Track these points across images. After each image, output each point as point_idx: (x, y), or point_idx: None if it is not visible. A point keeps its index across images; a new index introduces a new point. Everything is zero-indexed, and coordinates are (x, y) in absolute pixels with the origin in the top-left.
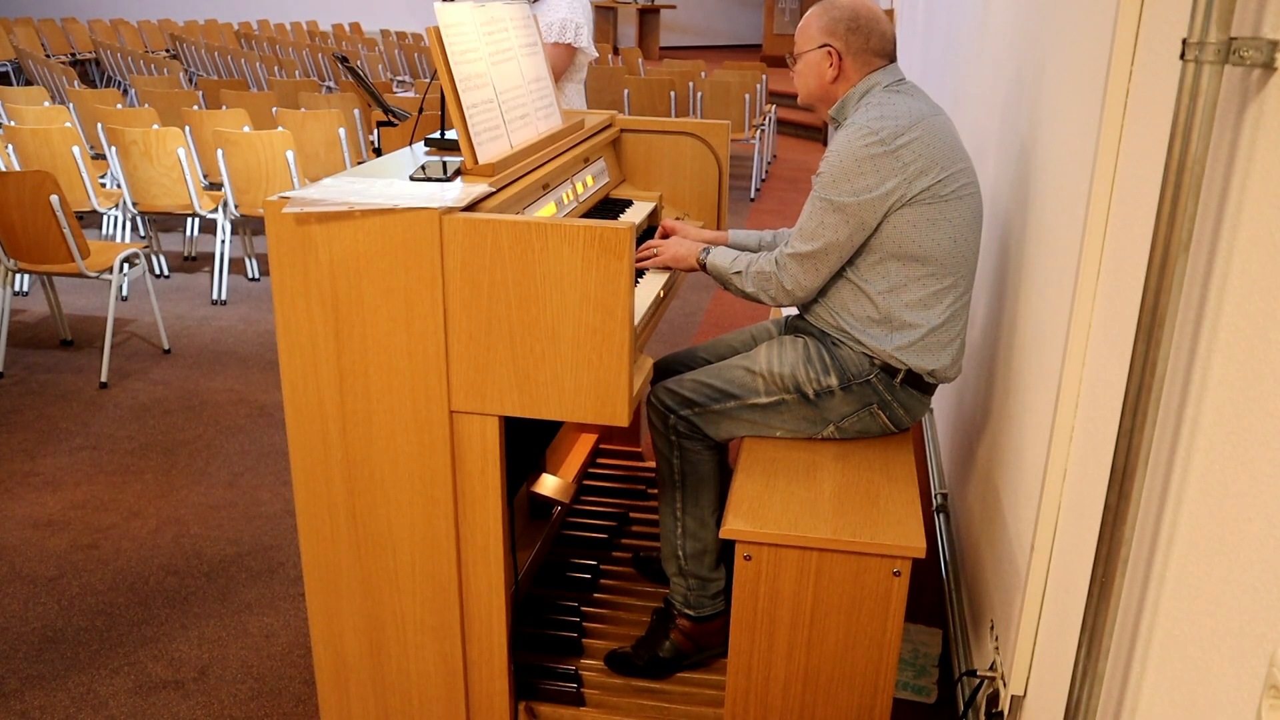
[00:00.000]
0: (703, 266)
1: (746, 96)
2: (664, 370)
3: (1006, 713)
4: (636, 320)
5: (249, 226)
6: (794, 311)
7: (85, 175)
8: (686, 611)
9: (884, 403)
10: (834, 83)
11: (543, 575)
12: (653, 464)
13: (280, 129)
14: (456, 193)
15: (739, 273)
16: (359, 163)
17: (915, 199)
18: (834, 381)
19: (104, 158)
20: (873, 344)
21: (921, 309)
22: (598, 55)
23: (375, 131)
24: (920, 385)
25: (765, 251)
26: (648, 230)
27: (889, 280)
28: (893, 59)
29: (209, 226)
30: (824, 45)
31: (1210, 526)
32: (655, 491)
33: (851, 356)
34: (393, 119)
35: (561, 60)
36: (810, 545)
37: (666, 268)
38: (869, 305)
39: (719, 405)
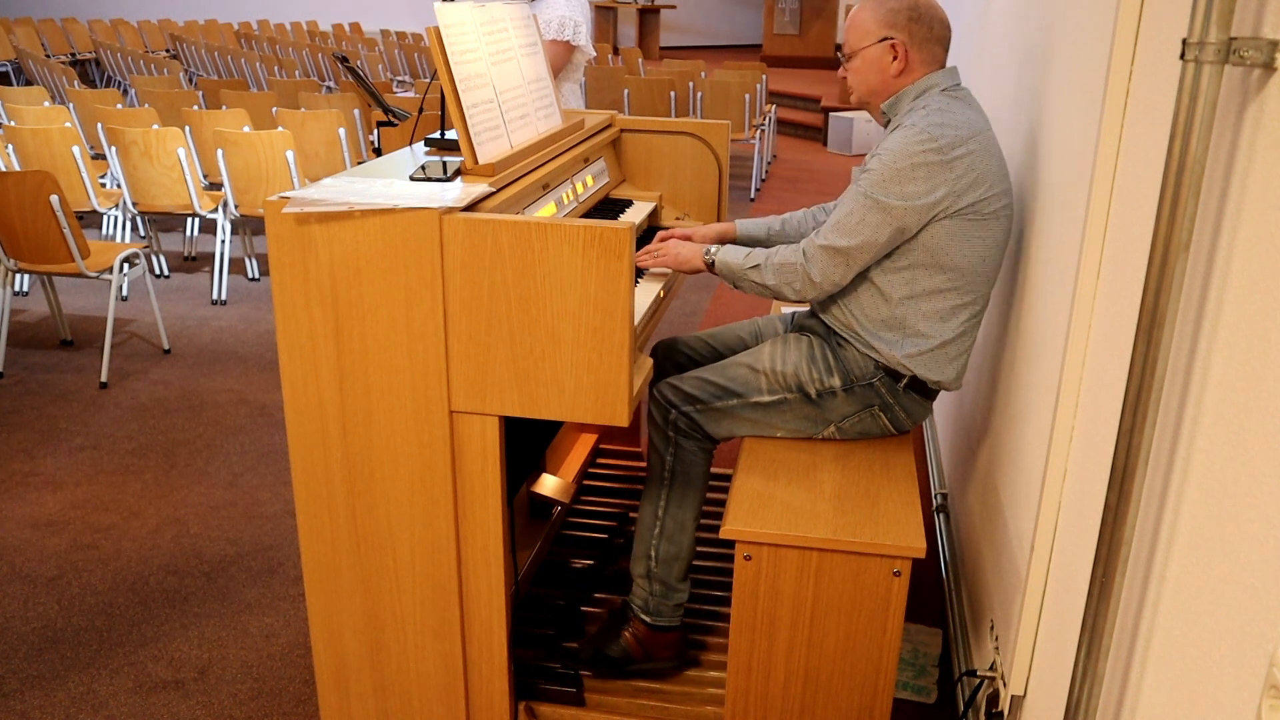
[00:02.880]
0: (710, 267)
1: (746, 96)
2: (665, 351)
3: (1006, 713)
4: (636, 320)
5: (249, 226)
6: (802, 308)
7: (85, 175)
8: (643, 617)
9: (886, 405)
10: (899, 76)
11: (543, 575)
12: None
13: (280, 129)
14: (456, 193)
15: (756, 266)
16: (359, 163)
17: (959, 212)
18: (837, 382)
19: (104, 158)
20: (882, 348)
21: (938, 321)
22: (595, 54)
23: (375, 131)
24: (923, 390)
25: (783, 245)
26: (648, 230)
27: (912, 287)
28: (948, 54)
29: (209, 226)
30: (885, 38)
31: (1210, 526)
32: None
33: (856, 358)
34: (393, 119)
35: (559, 58)
36: (810, 545)
37: (668, 269)
38: (885, 308)
39: (721, 403)
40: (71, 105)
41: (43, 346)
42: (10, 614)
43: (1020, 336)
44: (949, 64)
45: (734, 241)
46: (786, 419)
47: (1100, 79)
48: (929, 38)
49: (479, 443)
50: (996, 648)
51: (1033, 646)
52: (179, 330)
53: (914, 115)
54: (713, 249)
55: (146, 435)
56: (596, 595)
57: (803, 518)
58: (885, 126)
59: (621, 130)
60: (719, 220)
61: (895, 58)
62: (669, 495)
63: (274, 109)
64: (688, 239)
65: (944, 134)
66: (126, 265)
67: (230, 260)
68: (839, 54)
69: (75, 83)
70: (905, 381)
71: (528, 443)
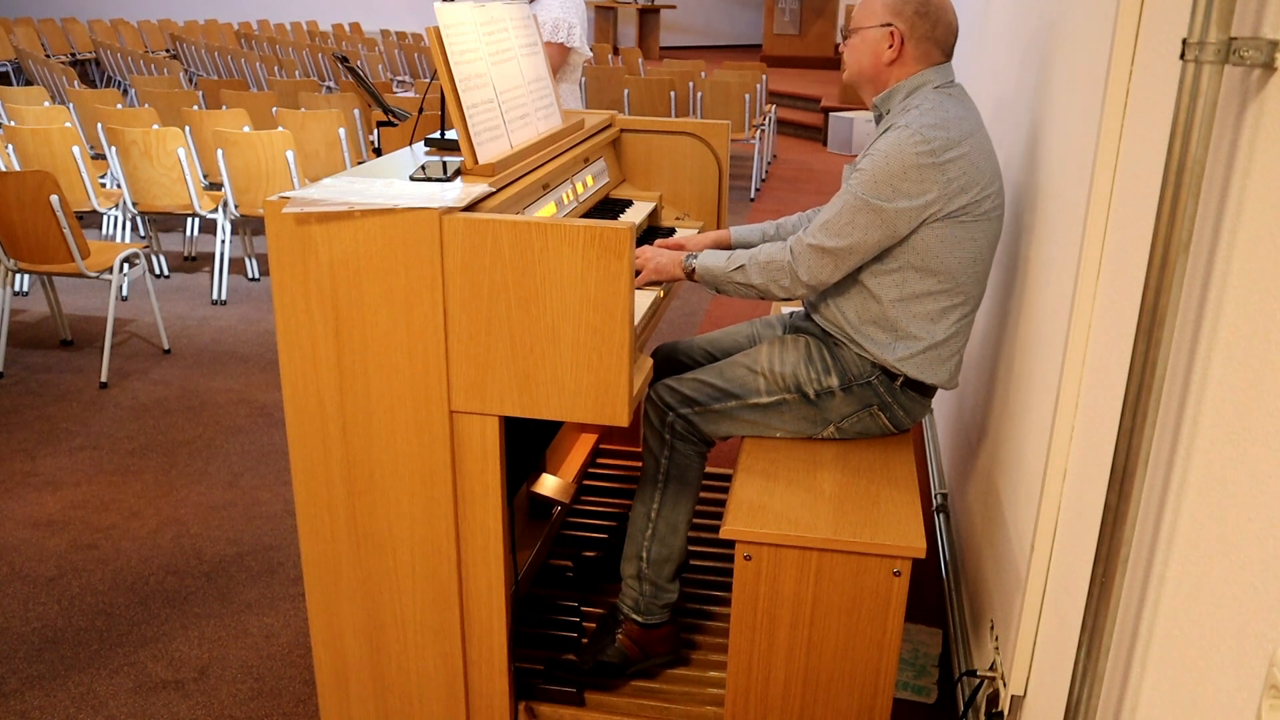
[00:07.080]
0: (690, 275)
1: (746, 96)
2: (664, 357)
3: (1006, 713)
4: (636, 320)
5: (249, 226)
6: (798, 309)
7: (85, 175)
8: (634, 617)
9: (884, 404)
10: (890, 65)
11: (543, 575)
12: None
13: (280, 129)
14: (456, 193)
15: (741, 267)
16: (359, 163)
17: (951, 215)
18: (835, 382)
19: (104, 158)
20: (873, 349)
21: (929, 322)
22: (591, 55)
23: (375, 131)
24: (921, 389)
25: (768, 244)
26: (648, 230)
27: (902, 290)
28: (949, 56)
29: (209, 226)
30: (887, 24)
31: (1210, 526)
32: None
33: (852, 358)
34: (393, 119)
35: (554, 60)
36: (810, 545)
37: (653, 281)
38: (876, 310)
39: (719, 404)
40: (71, 105)
41: (43, 346)
42: (10, 614)
43: (1020, 337)
44: (949, 66)
45: (728, 248)
46: (785, 420)
47: (1100, 79)
48: (929, 36)
49: (479, 443)
50: (996, 648)
51: (1033, 646)
52: (179, 330)
53: (908, 115)
54: (693, 256)
55: (146, 435)
56: (595, 597)
57: (803, 518)
58: (876, 122)
59: (621, 130)
60: (719, 220)
61: (891, 45)
62: (663, 497)
63: (274, 109)
64: (680, 248)
65: (937, 136)
66: (126, 265)
67: (230, 260)
68: (841, 30)
69: (75, 83)
70: (901, 380)
71: (528, 443)
